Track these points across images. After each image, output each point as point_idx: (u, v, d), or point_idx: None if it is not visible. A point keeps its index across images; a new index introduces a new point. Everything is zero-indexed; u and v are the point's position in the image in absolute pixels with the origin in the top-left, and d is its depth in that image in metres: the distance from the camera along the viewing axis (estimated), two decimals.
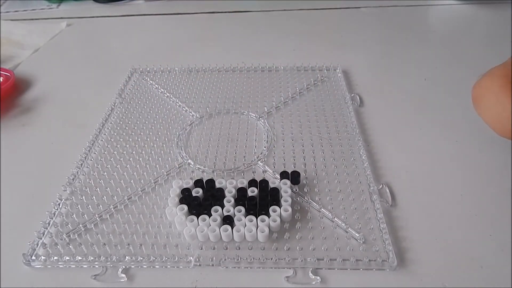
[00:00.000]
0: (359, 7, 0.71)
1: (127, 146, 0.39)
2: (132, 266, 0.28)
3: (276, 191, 0.32)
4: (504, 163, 0.36)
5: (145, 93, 0.48)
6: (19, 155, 0.39)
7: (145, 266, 0.28)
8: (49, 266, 0.29)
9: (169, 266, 0.28)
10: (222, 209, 0.30)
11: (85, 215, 0.32)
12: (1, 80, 0.50)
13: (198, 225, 0.29)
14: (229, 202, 0.31)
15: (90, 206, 0.33)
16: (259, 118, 0.42)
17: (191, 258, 0.28)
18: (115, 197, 0.34)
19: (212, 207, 0.30)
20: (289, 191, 0.32)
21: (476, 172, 0.35)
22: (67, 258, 0.29)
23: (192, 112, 0.44)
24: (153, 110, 0.44)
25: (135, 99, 0.46)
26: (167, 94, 0.47)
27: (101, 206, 0.33)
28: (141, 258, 0.28)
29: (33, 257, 0.29)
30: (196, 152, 0.38)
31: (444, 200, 0.32)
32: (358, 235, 0.29)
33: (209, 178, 0.33)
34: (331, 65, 0.50)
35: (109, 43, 0.64)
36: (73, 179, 0.35)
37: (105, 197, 0.34)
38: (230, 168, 0.36)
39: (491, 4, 0.69)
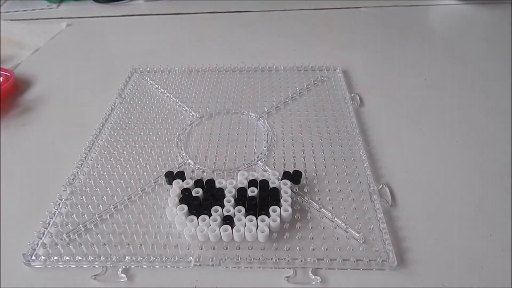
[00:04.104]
0: (359, 7, 0.71)
1: (127, 146, 0.39)
2: (132, 266, 0.28)
3: (276, 191, 0.32)
4: (504, 163, 0.36)
5: (145, 93, 0.48)
6: (19, 155, 0.39)
7: (145, 266, 0.28)
8: (49, 266, 0.28)
9: (169, 266, 0.28)
10: (222, 209, 0.30)
11: (85, 215, 0.32)
12: (1, 80, 0.50)
13: (198, 225, 0.29)
14: (229, 202, 0.31)
15: (90, 206, 0.33)
16: (259, 118, 0.42)
17: (191, 258, 0.28)
18: (115, 197, 0.34)
19: (212, 207, 0.30)
20: (289, 191, 0.32)
21: (476, 172, 0.35)
22: (67, 258, 0.29)
23: (192, 112, 0.44)
24: (153, 110, 0.44)
25: (135, 99, 0.46)
26: (167, 94, 0.47)
27: (101, 206, 0.33)
28: (141, 258, 0.28)
29: (33, 257, 0.29)
30: (196, 152, 0.38)
31: (444, 200, 0.32)
32: (358, 235, 0.29)
33: (209, 178, 0.33)
34: (331, 65, 0.50)
35: (109, 43, 0.64)
36: (73, 179, 0.35)
37: (105, 197, 0.34)
38: (230, 168, 0.36)
39: (491, 4, 0.69)
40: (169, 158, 0.37)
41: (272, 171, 0.34)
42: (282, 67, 0.51)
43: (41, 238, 0.30)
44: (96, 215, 0.32)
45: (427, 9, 0.69)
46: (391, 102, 0.45)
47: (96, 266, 0.28)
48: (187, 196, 0.32)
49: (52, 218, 0.32)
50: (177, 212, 0.30)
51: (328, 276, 0.27)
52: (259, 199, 0.31)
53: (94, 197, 0.33)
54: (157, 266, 0.28)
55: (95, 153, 0.38)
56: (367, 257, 0.28)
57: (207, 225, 0.29)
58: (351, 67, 0.51)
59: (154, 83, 0.49)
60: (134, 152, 0.38)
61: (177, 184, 0.33)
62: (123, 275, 0.28)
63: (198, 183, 0.33)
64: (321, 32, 0.63)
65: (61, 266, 0.28)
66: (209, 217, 0.30)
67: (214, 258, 0.28)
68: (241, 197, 0.31)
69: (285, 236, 0.29)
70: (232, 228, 0.29)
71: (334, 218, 0.31)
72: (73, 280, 0.28)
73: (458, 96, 0.45)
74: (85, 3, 0.77)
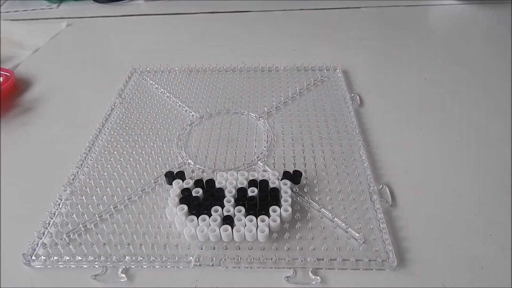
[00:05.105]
0: (359, 7, 0.71)
1: (127, 146, 0.39)
2: (132, 266, 0.28)
3: (276, 191, 0.32)
4: (504, 163, 0.36)
5: (145, 93, 0.48)
6: (19, 155, 0.39)
7: (145, 266, 0.28)
8: (49, 266, 0.28)
9: (169, 266, 0.28)
10: (222, 209, 0.30)
11: (85, 215, 0.32)
12: (1, 80, 0.50)
13: (198, 225, 0.29)
14: (229, 202, 0.31)
15: (90, 206, 0.33)
16: (259, 118, 0.42)
17: (191, 258, 0.28)
18: (115, 197, 0.34)
19: (212, 207, 0.30)
20: (289, 191, 0.32)
21: (476, 172, 0.35)
22: (67, 258, 0.29)
23: (192, 112, 0.44)
24: (153, 110, 0.44)
25: (135, 99, 0.46)
26: (167, 94, 0.47)
27: (101, 206, 0.33)
28: (141, 258, 0.28)
29: (33, 257, 0.29)
30: (196, 152, 0.38)
31: (444, 200, 0.32)
32: (358, 235, 0.29)
33: (209, 178, 0.33)
34: (331, 65, 0.50)
35: (109, 43, 0.64)
36: (73, 179, 0.35)
37: (105, 197, 0.34)
38: (230, 168, 0.36)
39: (491, 4, 0.69)
40: (169, 158, 0.37)
41: (272, 171, 0.34)
42: (282, 67, 0.51)
43: (41, 238, 0.30)
44: (96, 215, 0.32)
45: (427, 9, 0.69)
46: (391, 102, 0.45)
47: (96, 266, 0.28)
48: (187, 196, 0.32)
49: (52, 218, 0.32)
50: (177, 212, 0.30)
51: (328, 276, 0.27)
52: (259, 199, 0.31)
53: (94, 197, 0.33)
54: (157, 266, 0.28)
55: (95, 153, 0.38)
56: (367, 257, 0.28)
57: (207, 225, 0.29)
58: (351, 67, 0.51)
59: (154, 83, 0.49)
60: (134, 152, 0.38)
61: (177, 184, 0.33)
62: (123, 275, 0.28)
63: (198, 183, 0.33)
64: (321, 32, 0.63)
65: (61, 266, 0.28)
66: (209, 217, 0.30)
67: (214, 258, 0.28)
68: (241, 197, 0.31)
69: (285, 236, 0.29)
70: (232, 228, 0.29)
71: (334, 218, 0.31)
72: (73, 280, 0.28)
73: (458, 96, 0.45)
74: (85, 3, 0.77)
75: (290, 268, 0.28)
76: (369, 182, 0.34)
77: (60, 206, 0.33)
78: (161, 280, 0.27)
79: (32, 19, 0.71)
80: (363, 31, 0.62)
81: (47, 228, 0.31)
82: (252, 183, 0.33)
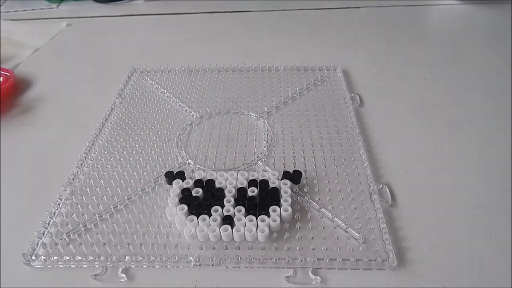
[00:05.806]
0: (359, 7, 0.71)
1: (127, 146, 0.39)
2: (132, 266, 0.28)
3: (276, 191, 0.32)
4: (504, 163, 0.36)
5: (145, 93, 0.48)
6: (19, 155, 0.39)
7: (145, 266, 0.28)
8: (49, 266, 0.28)
9: (169, 266, 0.28)
10: (222, 209, 0.30)
11: (85, 215, 0.32)
12: (1, 80, 0.50)
13: (198, 225, 0.29)
14: (229, 202, 0.31)
15: (90, 206, 0.33)
16: (259, 118, 0.42)
17: (191, 258, 0.28)
18: (115, 197, 0.33)
19: (212, 207, 0.30)
20: (289, 191, 0.32)
21: (476, 172, 0.35)
22: (67, 258, 0.29)
23: (192, 112, 0.44)
24: (153, 110, 0.44)
25: (135, 99, 0.46)
26: (167, 94, 0.47)
27: (101, 206, 0.33)
28: (141, 258, 0.28)
29: (33, 257, 0.29)
30: (196, 152, 0.38)
31: (444, 200, 0.32)
32: (358, 235, 0.29)
33: (209, 178, 0.33)
34: (331, 65, 0.50)
35: (109, 43, 0.64)
36: (73, 179, 0.35)
37: (105, 197, 0.34)
38: (230, 168, 0.36)
39: (491, 4, 0.69)
40: (169, 158, 0.37)
41: (272, 171, 0.34)
42: (282, 67, 0.51)
43: (41, 238, 0.30)
44: (96, 215, 0.32)
45: (427, 9, 0.69)
46: (391, 102, 0.45)
47: (96, 266, 0.28)
48: (187, 196, 0.32)
49: (52, 218, 0.32)
50: (177, 212, 0.30)
51: (328, 276, 0.27)
52: (259, 199, 0.31)
53: (94, 197, 0.33)
54: (157, 266, 0.28)
55: (95, 153, 0.38)
56: (367, 257, 0.28)
57: (207, 225, 0.29)
58: (351, 67, 0.51)
59: (154, 83, 0.49)
60: (134, 152, 0.38)
61: (177, 184, 0.33)
62: (123, 275, 0.28)
63: (198, 183, 0.33)
64: (321, 32, 0.63)
65: (61, 266, 0.28)
66: (209, 217, 0.30)
67: (214, 258, 0.28)
68: (241, 197, 0.31)
69: (285, 236, 0.29)
70: (232, 228, 0.29)
71: (334, 218, 0.31)
72: (73, 280, 0.28)
73: (458, 96, 0.45)
74: (85, 3, 0.77)
75: (290, 268, 0.28)
76: (369, 182, 0.34)
77: (60, 206, 0.33)
78: (161, 280, 0.27)
79: (32, 19, 0.71)
80: (363, 31, 0.62)
81: (47, 228, 0.31)
82: (252, 183, 0.33)
